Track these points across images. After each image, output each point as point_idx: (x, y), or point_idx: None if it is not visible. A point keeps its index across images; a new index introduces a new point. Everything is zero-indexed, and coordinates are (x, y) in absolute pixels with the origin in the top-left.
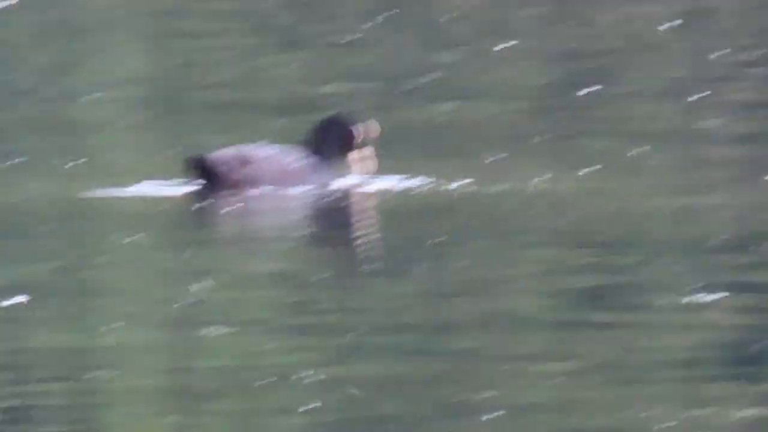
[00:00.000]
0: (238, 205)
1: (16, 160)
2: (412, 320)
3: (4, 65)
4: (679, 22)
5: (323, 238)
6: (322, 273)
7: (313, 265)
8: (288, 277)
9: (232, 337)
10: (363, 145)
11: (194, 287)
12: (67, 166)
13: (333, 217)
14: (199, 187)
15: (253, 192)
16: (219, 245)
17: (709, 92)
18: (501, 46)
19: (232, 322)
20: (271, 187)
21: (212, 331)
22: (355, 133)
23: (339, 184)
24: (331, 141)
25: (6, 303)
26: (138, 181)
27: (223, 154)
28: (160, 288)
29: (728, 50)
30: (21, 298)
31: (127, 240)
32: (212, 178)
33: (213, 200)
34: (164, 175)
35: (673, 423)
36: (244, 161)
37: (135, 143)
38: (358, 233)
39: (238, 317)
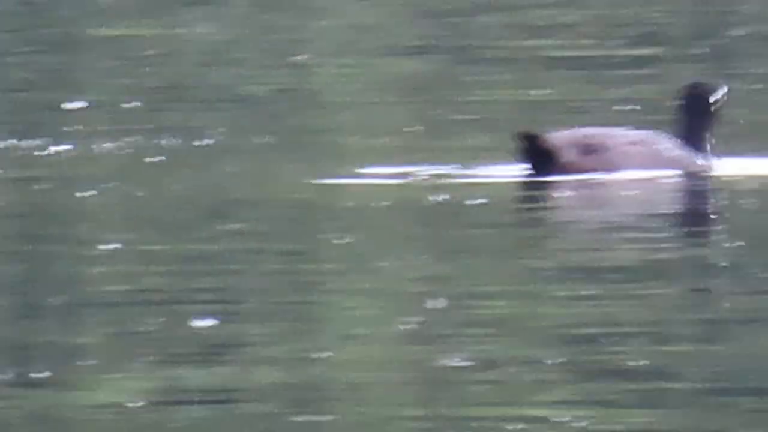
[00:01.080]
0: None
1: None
2: None
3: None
4: None
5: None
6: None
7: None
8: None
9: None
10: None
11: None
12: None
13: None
14: (527, 171)
15: (607, 178)
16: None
17: None
18: None
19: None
20: (635, 174)
21: None
22: (717, 104)
23: (718, 168)
24: (695, 118)
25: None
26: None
27: (563, 135)
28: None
29: None
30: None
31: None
32: (548, 160)
33: (553, 189)
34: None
35: None
36: (596, 146)
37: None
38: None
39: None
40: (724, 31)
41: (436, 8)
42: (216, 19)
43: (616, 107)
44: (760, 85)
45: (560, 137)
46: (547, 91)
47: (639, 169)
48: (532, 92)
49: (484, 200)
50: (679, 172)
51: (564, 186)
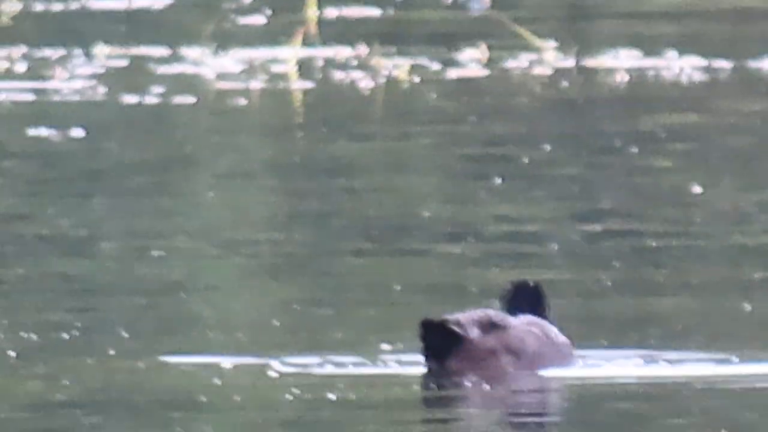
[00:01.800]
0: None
1: None
2: None
3: None
4: None
5: None
6: None
7: None
8: None
9: None
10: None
11: None
12: None
13: None
14: (432, 355)
15: (510, 367)
16: None
17: None
18: None
19: None
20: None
21: None
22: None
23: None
24: (533, 310)
25: None
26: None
27: (466, 316)
28: None
29: None
30: None
31: None
32: (453, 345)
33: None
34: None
35: None
36: (497, 326)
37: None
38: None
39: None
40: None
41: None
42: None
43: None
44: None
45: (463, 319)
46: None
47: (536, 350)
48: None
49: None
50: (564, 363)
51: (469, 377)
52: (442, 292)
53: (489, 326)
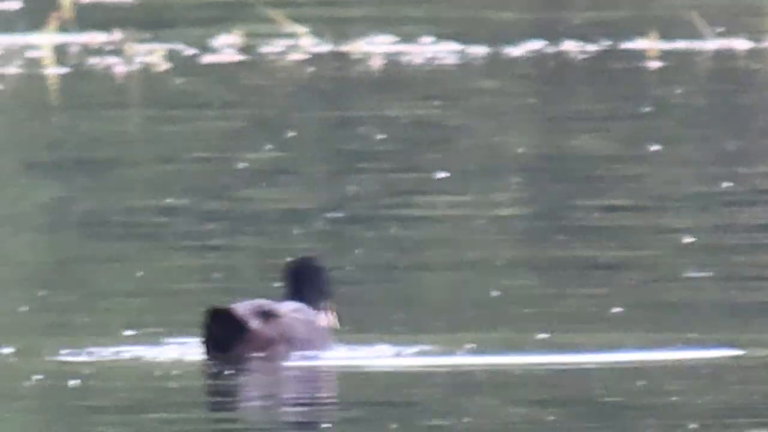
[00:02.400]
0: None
1: None
2: None
3: None
4: None
5: None
6: None
7: None
8: None
9: None
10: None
11: None
12: None
13: None
14: (215, 344)
15: (285, 353)
16: None
17: None
18: None
19: None
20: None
21: None
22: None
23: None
24: (311, 288)
25: None
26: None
27: (244, 306)
28: None
29: None
30: None
31: None
32: (237, 334)
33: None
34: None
35: None
36: (271, 315)
37: None
38: None
39: None
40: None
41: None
42: None
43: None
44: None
45: (242, 308)
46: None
47: (305, 337)
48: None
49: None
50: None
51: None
52: (214, 281)
53: (264, 315)
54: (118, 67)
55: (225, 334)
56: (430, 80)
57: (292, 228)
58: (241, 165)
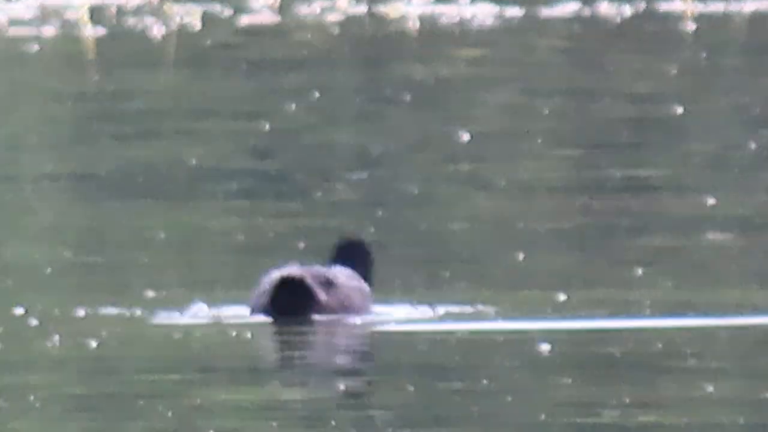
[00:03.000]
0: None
1: None
2: None
3: None
4: None
5: None
6: None
7: None
8: None
9: None
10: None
11: None
12: None
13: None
14: (282, 309)
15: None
16: None
17: None
18: None
19: None
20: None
21: None
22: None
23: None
24: (359, 265)
25: None
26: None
27: (303, 272)
28: None
29: None
30: None
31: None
32: (306, 302)
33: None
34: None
35: None
36: (331, 284)
37: None
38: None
39: None
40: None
41: None
42: None
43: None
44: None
45: (308, 277)
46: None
47: (359, 304)
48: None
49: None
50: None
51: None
52: (237, 242)
53: (326, 284)
54: (155, 27)
55: (294, 302)
56: (466, 41)
57: (316, 190)
58: (268, 125)
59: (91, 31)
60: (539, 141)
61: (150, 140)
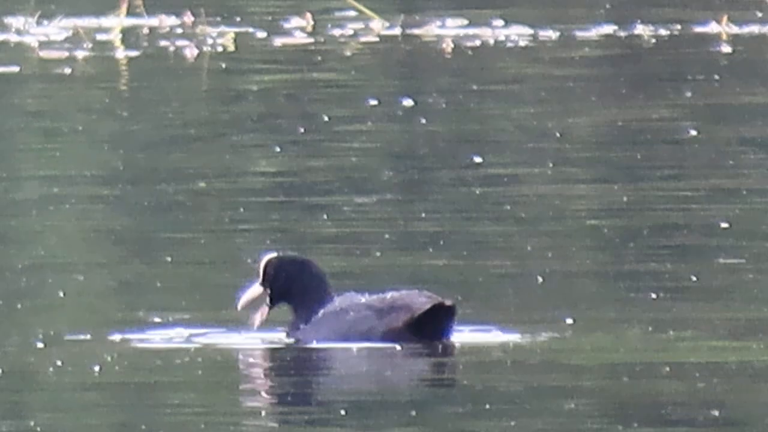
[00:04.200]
0: None
1: None
2: None
3: None
4: None
5: None
6: None
7: None
8: None
9: None
10: None
11: None
12: None
13: None
14: (431, 333)
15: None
16: None
17: None
18: None
19: None
20: None
21: None
22: None
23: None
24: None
25: None
26: None
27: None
28: None
29: None
30: None
31: None
32: (449, 327)
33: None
34: None
35: None
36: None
37: None
38: None
39: None
40: None
41: None
42: None
43: None
44: None
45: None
46: None
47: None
48: None
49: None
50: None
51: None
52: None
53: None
54: (188, 50)
55: (443, 327)
56: (500, 63)
57: (352, 197)
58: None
59: (123, 53)
60: (566, 163)
61: (195, 166)
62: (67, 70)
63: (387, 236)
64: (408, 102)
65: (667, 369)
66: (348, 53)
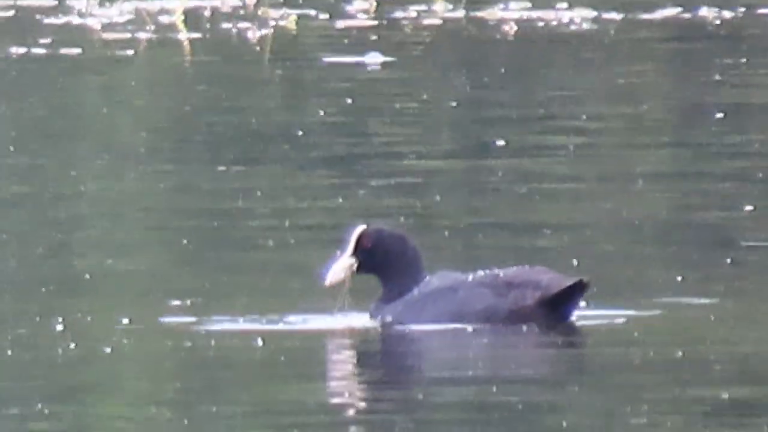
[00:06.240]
0: None
1: None
2: None
3: None
4: None
5: None
6: None
7: None
8: None
9: None
10: None
11: None
12: None
13: None
14: (564, 312)
15: None
16: None
17: None
18: None
19: None
20: None
21: None
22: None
23: None
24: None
25: None
26: None
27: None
28: None
29: None
30: None
31: None
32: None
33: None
34: None
35: None
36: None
37: None
38: None
39: None
40: None
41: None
42: None
43: None
44: None
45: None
46: None
47: None
48: None
49: None
50: None
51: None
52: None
53: None
54: (250, 32)
55: (575, 305)
56: (564, 46)
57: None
58: (370, 127)
59: (185, 35)
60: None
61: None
62: (130, 52)
63: (454, 211)
64: (464, 82)
65: None
66: (410, 36)
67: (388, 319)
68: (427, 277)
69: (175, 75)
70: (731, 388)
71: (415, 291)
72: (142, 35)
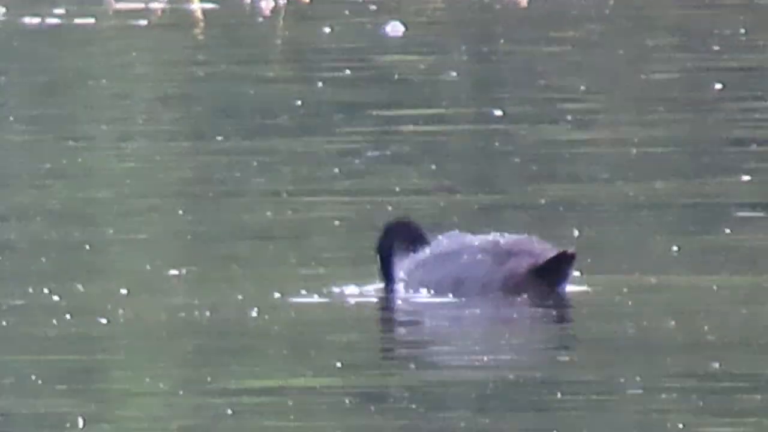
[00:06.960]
0: None
1: None
2: None
3: None
4: None
5: None
6: None
7: None
8: None
9: None
10: None
11: None
12: None
13: None
14: (555, 281)
15: None
16: None
17: None
18: None
19: None
20: None
21: None
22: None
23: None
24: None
25: None
26: None
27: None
28: None
29: None
30: None
31: None
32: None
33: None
34: None
35: None
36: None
37: None
38: None
39: None
40: None
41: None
42: None
43: None
44: None
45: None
46: None
47: None
48: None
49: None
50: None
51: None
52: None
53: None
54: (264, 2)
55: (565, 275)
56: (575, 20)
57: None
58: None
59: (199, 5)
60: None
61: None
62: (143, 22)
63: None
64: (483, 52)
65: None
66: (422, 4)
67: (401, 275)
68: (439, 237)
69: (187, 45)
70: (724, 359)
71: (427, 250)
72: (156, 5)
